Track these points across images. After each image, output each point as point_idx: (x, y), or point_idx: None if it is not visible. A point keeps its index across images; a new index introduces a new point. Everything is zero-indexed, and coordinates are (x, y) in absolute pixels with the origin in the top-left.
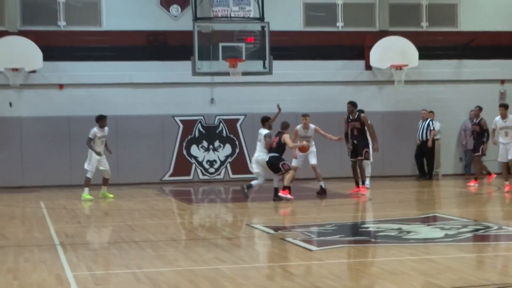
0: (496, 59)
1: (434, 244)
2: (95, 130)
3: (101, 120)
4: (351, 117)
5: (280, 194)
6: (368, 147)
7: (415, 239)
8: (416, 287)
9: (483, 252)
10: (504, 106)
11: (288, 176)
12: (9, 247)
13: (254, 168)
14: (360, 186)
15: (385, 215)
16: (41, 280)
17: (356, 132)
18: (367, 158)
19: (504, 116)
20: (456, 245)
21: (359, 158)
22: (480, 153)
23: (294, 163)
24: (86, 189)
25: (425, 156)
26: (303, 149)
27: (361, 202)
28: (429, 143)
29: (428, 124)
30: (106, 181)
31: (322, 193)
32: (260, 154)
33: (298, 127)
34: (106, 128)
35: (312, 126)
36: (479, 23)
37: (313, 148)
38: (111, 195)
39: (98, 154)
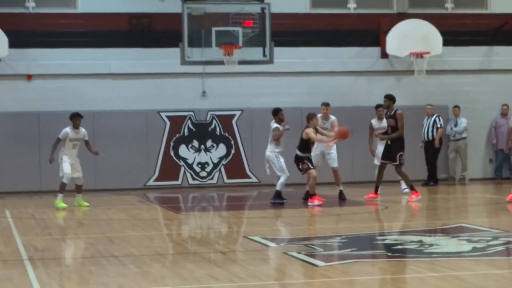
0: None
1: (460, 259)
2: (67, 130)
3: (74, 118)
4: (388, 113)
5: (308, 203)
6: (403, 150)
7: (438, 253)
8: None
9: None
10: None
11: (310, 183)
12: None
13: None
14: (410, 191)
15: (403, 225)
16: None
17: (390, 130)
18: (402, 164)
19: None
20: (486, 260)
21: (393, 163)
22: None
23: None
24: (60, 195)
25: (428, 157)
26: (343, 135)
27: (376, 210)
28: (436, 143)
29: (435, 120)
30: (79, 188)
31: (343, 198)
32: (267, 151)
33: (318, 116)
34: (81, 130)
35: (332, 117)
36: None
37: (333, 150)
38: (87, 204)
39: (50, 161)
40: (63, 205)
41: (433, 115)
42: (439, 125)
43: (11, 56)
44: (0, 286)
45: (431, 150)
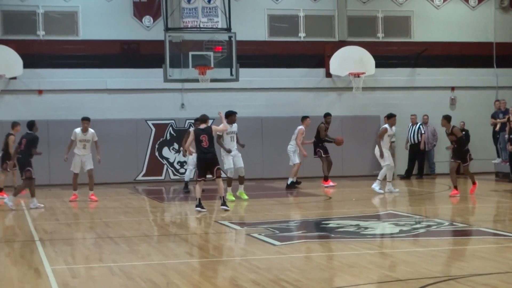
0: (446, 68)
1: (389, 239)
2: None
3: (230, 116)
4: (447, 131)
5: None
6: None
7: (372, 235)
8: (373, 279)
9: (436, 247)
10: None
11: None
12: None
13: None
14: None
15: (344, 212)
16: (21, 274)
17: (455, 144)
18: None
19: None
20: (410, 240)
21: (464, 164)
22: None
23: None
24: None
25: (412, 156)
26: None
27: (323, 200)
28: (421, 146)
29: (419, 127)
30: (241, 179)
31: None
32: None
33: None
34: (235, 124)
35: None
36: (431, 34)
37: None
38: (246, 197)
39: (228, 151)
40: (232, 197)
41: (417, 123)
42: (423, 131)
43: (25, 75)
44: (15, 261)
45: (417, 150)
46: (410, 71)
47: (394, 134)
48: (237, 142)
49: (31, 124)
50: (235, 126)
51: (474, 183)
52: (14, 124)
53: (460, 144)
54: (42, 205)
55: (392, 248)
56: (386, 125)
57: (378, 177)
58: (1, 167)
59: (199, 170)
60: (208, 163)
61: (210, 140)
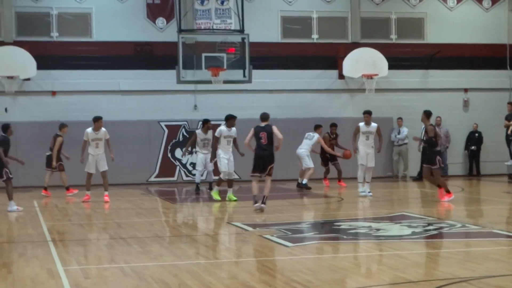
0: (459, 70)
1: (402, 240)
2: (222, 128)
3: (230, 119)
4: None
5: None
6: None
7: (384, 236)
8: (385, 281)
9: (448, 248)
10: None
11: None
12: (3, 243)
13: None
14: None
15: (356, 213)
16: (34, 274)
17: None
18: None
19: None
20: (422, 241)
21: (433, 167)
22: None
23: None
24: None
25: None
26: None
27: (334, 201)
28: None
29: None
30: (230, 183)
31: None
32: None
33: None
34: (233, 129)
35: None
36: (444, 36)
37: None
38: (235, 198)
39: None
40: (218, 197)
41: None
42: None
43: (39, 76)
44: (28, 262)
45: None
46: (423, 73)
47: (382, 133)
48: (236, 148)
49: (5, 127)
50: (233, 131)
51: (439, 186)
52: (62, 126)
53: (429, 145)
54: (22, 208)
55: (404, 249)
56: (361, 123)
57: (359, 180)
58: (57, 168)
59: (255, 165)
60: (265, 160)
61: (269, 138)
